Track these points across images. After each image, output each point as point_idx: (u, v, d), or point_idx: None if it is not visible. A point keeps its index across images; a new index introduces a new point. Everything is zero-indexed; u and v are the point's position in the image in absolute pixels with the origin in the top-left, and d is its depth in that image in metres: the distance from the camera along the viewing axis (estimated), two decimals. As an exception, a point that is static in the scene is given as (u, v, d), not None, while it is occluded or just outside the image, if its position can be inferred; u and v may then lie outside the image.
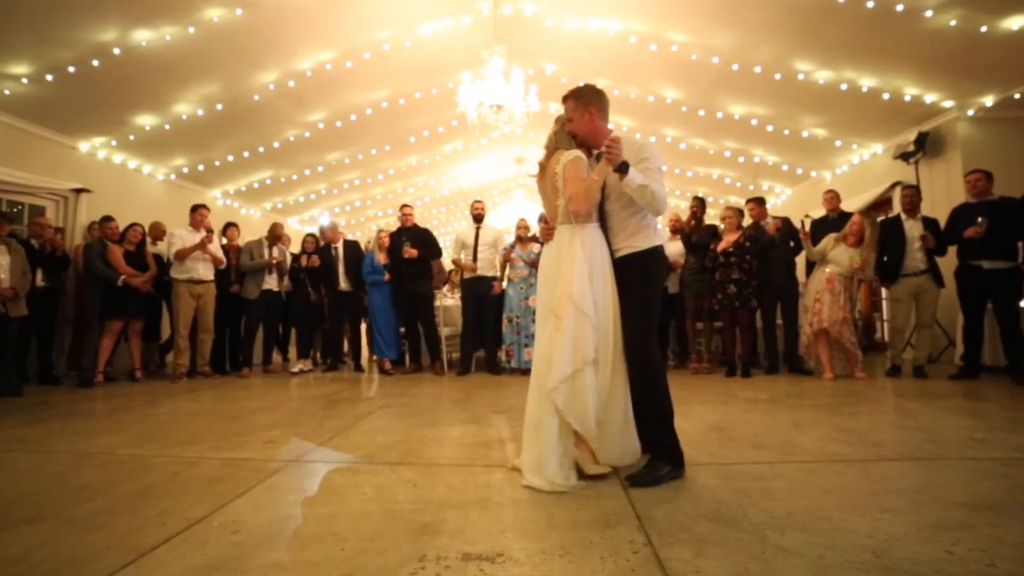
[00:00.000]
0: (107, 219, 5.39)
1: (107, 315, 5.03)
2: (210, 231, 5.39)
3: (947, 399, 3.45)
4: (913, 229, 4.60)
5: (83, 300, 5.20)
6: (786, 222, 5.06)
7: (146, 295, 5.23)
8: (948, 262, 4.56)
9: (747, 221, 5.16)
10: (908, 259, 4.59)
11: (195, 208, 5.50)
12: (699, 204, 5.45)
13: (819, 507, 1.62)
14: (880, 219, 5.06)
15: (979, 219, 4.10)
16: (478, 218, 5.61)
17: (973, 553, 1.29)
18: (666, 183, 2.09)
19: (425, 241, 5.67)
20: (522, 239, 5.54)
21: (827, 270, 4.60)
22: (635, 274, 2.04)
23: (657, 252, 2.07)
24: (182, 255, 5.22)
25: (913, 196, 4.77)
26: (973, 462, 2.04)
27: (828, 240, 4.68)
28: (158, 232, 6.17)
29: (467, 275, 5.51)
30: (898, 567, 1.23)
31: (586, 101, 2.10)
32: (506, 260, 5.53)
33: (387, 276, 5.62)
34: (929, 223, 4.61)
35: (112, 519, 1.61)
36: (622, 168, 1.91)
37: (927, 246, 4.49)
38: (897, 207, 5.39)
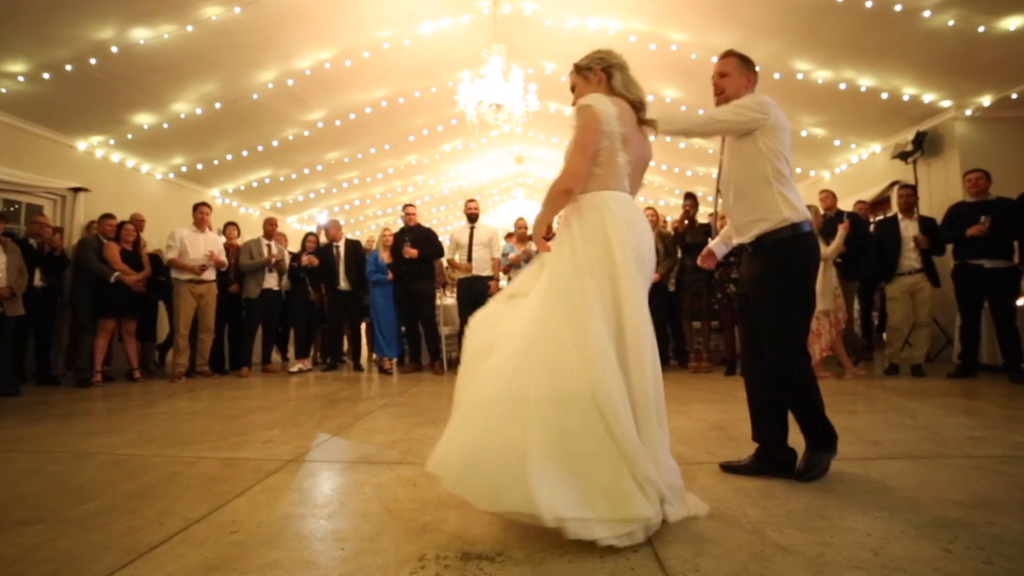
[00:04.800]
0: (107, 216, 5.37)
1: (100, 314, 4.98)
2: (211, 253, 5.30)
3: (945, 398, 3.46)
4: (908, 229, 4.64)
5: (75, 298, 5.14)
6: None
7: (139, 295, 5.19)
8: (945, 261, 4.57)
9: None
10: (903, 258, 4.63)
11: (197, 207, 5.48)
12: (692, 203, 5.43)
13: (818, 505, 1.62)
14: (878, 218, 5.01)
15: (983, 218, 4.11)
16: (472, 218, 5.60)
17: (971, 551, 1.30)
18: (715, 128, 1.99)
19: (427, 241, 5.65)
20: (522, 239, 5.54)
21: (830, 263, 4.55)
22: (756, 271, 1.87)
23: (779, 236, 1.76)
24: (176, 265, 5.19)
25: (909, 196, 4.79)
26: (971, 460, 2.04)
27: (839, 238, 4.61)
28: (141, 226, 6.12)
29: (462, 275, 5.50)
30: (896, 565, 1.24)
31: (751, 68, 2.07)
32: (516, 262, 5.49)
33: (390, 275, 5.62)
34: (927, 223, 4.63)
35: (110, 519, 1.60)
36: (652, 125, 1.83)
37: (920, 247, 4.53)
38: (896, 206, 5.39)
